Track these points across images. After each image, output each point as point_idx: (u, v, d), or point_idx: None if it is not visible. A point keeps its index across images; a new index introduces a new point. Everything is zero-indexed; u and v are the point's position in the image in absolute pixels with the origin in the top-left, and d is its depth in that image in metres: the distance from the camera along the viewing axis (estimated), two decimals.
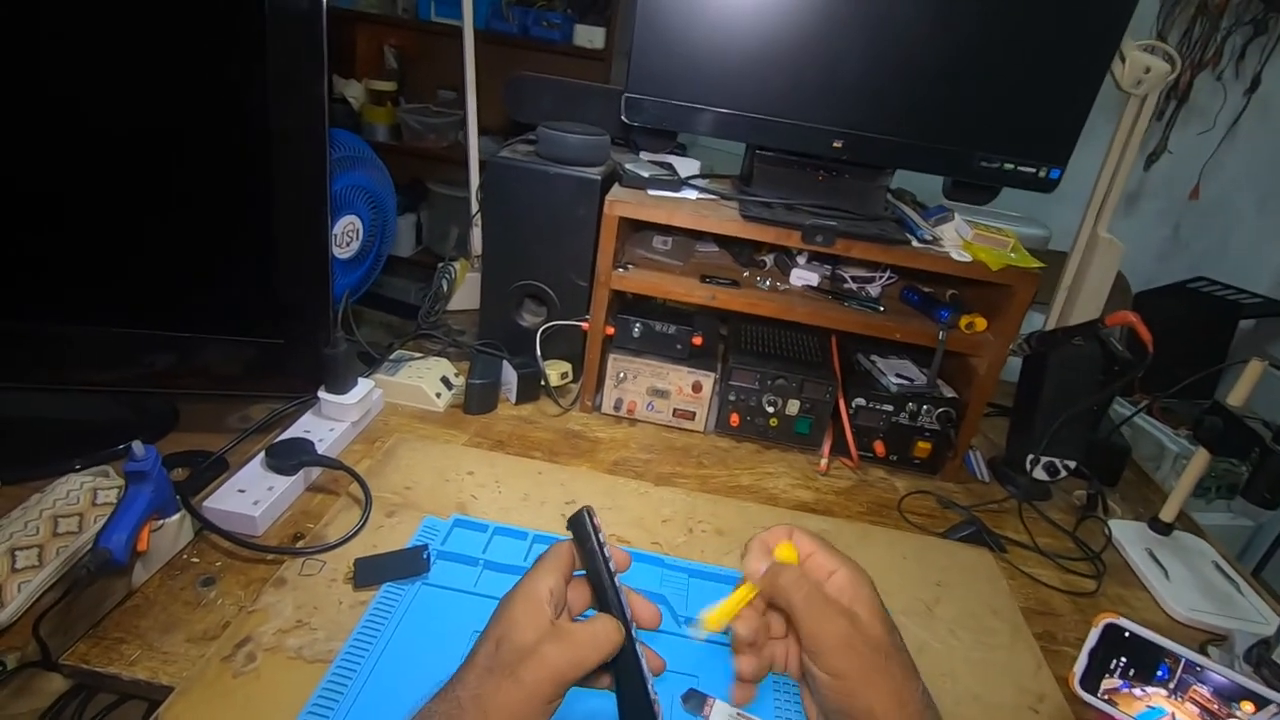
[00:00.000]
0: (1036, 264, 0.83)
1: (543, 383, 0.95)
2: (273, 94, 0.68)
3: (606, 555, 0.43)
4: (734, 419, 0.92)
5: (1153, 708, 0.53)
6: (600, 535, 0.43)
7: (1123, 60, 0.97)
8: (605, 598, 0.42)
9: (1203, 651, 0.69)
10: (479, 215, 1.13)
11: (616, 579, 0.43)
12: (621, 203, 0.84)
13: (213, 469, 0.74)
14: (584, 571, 0.44)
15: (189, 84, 0.68)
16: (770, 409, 0.91)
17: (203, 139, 0.70)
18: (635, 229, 1.01)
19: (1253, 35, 1.96)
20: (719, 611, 0.44)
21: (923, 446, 0.91)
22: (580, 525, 0.44)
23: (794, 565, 0.44)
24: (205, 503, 0.65)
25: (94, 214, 0.70)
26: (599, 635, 0.40)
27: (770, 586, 0.44)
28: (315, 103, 0.71)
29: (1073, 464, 0.89)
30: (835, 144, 0.85)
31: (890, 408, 0.90)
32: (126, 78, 0.66)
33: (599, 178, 0.89)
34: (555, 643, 0.38)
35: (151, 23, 0.65)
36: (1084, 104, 0.81)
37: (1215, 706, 0.51)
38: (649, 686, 0.40)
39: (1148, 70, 0.97)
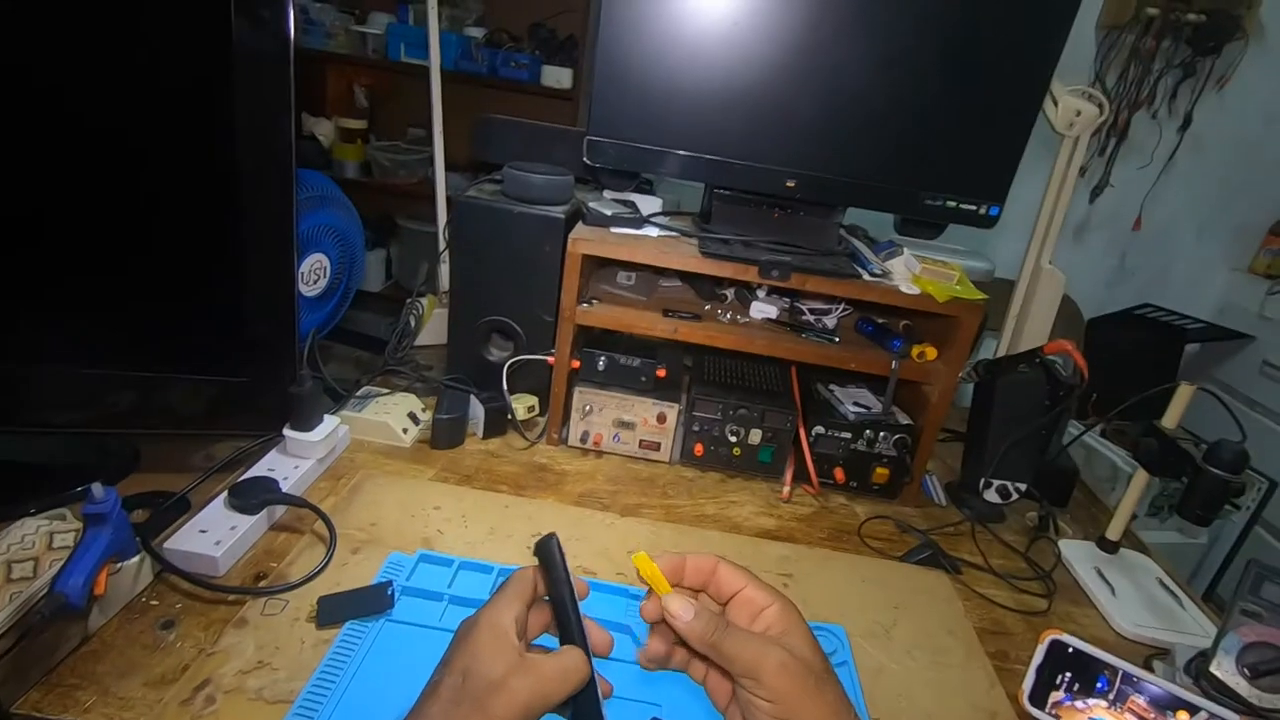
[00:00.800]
0: (980, 296, 0.88)
1: (509, 417, 0.96)
2: (240, 134, 0.69)
3: (572, 583, 0.44)
4: (698, 449, 0.94)
5: (1094, 718, 0.55)
6: (566, 563, 0.44)
7: (1055, 104, 1.04)
8: (568, 626, 0.43)
9: (1147, 665, 0.72)
10: (446, 252, 1.15)
11: (578, 608, 0.44)
12: (585, 240, 0.87)
13: (174, 509, 0.73)
14: (547, 598, 0.45)
15: (155, 124, 0.69)
16: (733, 438, 0.94)
17: (168, 178, 0.71)
18: (600, 265, 1.03)
19: (1183, 77, 2.08)
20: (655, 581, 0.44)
21: (881, 472, 0.94)
22: (548, 552, 0.44)
23: (710, 615, 0.43)
24: (166, 544, 0.65)
25: (58, 251, 0.70)
26: (568, 669, 0.40)
27: (700, 642, 0.42)
28: (283, 143, 0.73)
29: (1023, 486, 0.93)
30: (789, 184, 0.89)
31: (849, 435, 0.93)
32: (93, 117, 0.67)
33: (563, 216, 0.92)
34: (524, 676, 0.38)
35: (117, 62, 0.66)
36: (1017, 146, 0.86)
37: (1152, 716, 0.54)
38: (603, 713, 0.41)
39: (1079, 113, 1.04)
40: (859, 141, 0.88)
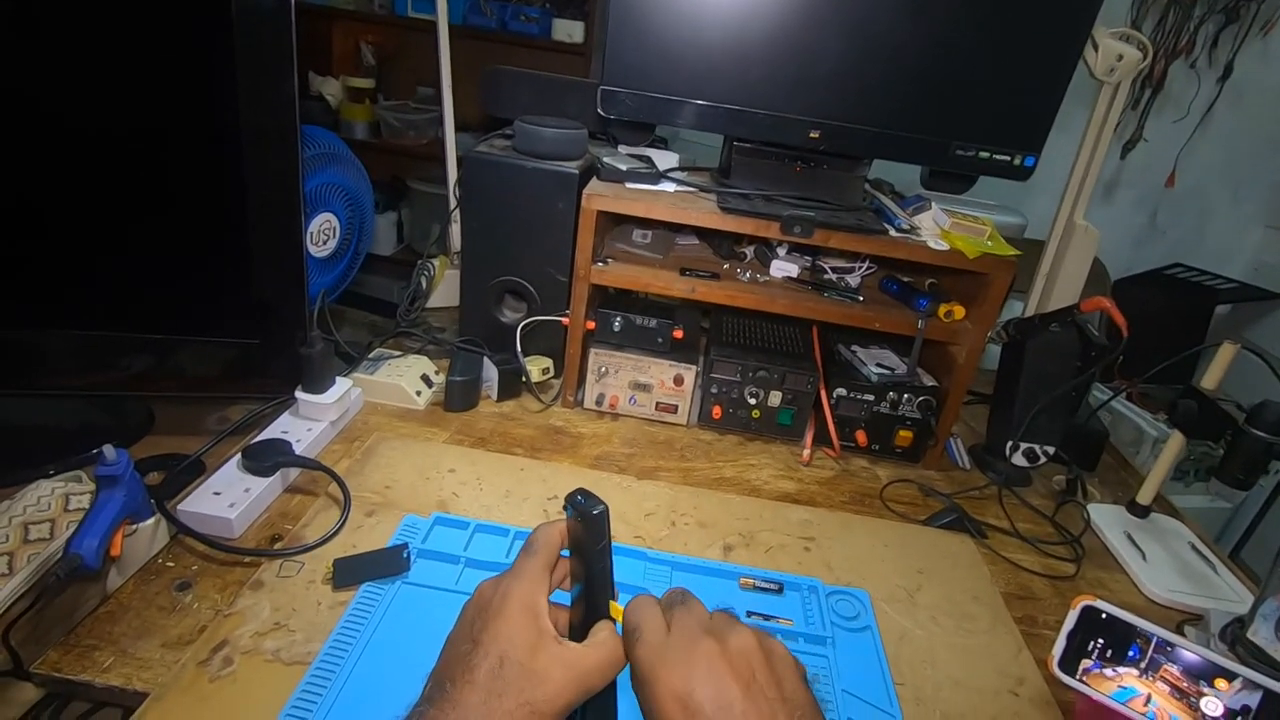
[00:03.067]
0: (1013, 252, 0.84)
1: (524, 379, 0.94)
2: (242, 92, 0.67)
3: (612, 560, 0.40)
4: (716, 411, 0.92)
5: (1124, 687, 0.53)
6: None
7: (1095, 48, 0.98)
8: (598, 604, 0.40)
9: (1179, 631, 0.70)
10: (457, 211, 1.12)
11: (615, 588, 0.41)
12: (599, 196, 0.84)
13: (189, 472, 0.73)
14: (566, 552, 0.42)
15: (156, 85, 0.67)
16: (752, 401, 0.92)
17: (172, 140, 0.69)
18: (615, 223, 1.00)
19: (1225, 23, 1.98)
20: None
21: (904, 435, 0.92)
22: (597, 524, 0.40)
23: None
24: (180, 506, 0.64)
25: (65, 217, 0.69)
26: (608, 659, 0.37)
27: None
28: (286, 100, 0.70)
29: (1052, 449, 0.90)
30: (812, 134, 0.85)
31: (871, 397, 0.91)
32: (94, 80, 0.65)
33: (576, 171, 0.89)
34: (568, 669, 0.36)
35: (117, 24, 0.64)
36: (1057, 92, 0.81)
37: (1185, 684, 0.52)
38: (615, 696, 0.39)
39: (1120, 58, 0.98)
40: (887, 89, 0.83)
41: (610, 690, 0.39)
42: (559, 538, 0.42)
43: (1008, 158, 0.84)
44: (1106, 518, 0.87)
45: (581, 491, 0.42)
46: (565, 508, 0.42)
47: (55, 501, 0.63)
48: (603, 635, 0.38)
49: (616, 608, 0.40)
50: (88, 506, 0.59)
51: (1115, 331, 0.84)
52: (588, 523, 0.40)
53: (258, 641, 0.54)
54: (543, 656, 0.36)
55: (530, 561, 0.40)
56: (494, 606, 0.38)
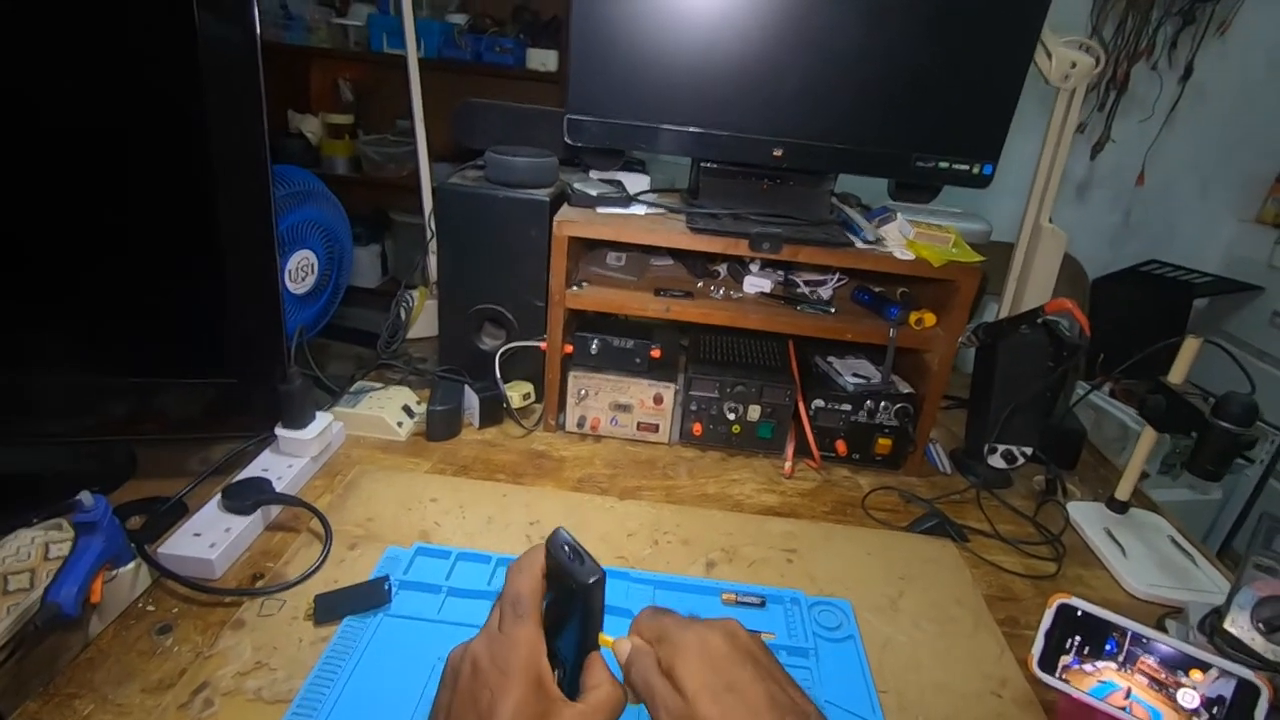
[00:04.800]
0: (977, 258, 0.86)
1: (505, 405, 0.95)
2: (212, 130, 0.68)
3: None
4: (697, 428, 0.93)
5: (1104, 682, 0.54)
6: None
7: (1049, 56, 1.01)
8: (590, 640, 0.39)
9: (1160, 625, 0.70)
10: (434, 242, 1.14)
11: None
12: (570, 222, 0.85)
13: (171, 514, 0.73)
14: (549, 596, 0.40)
15: (127, 126, 0.68)
16: (732, 416, 0.92)
17: (142, 181, 0.70)
18: (589, 247, 1.02)
19: (1182, 25, 2.03)
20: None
21: (883, 443, 0.93)
22: (595, 592, 0.38)
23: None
24: (161, 549, 0.64)
25: (35, 260, 0.69)
26: (612, 704, 0.37)
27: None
28: (256, 137, 0.71)
29: (1029, 450, 0.91)
30: (776, 153, 0.87)
31: (849, 407, 0.92)
32: (61, 123, 0.66)
33: (548, 199, 0.90)
34: None
35: (81, 65, 0.65)
36: (1009, 101, 0.83)
37: (1163, 675, 0.53)
38: None
39: (1074, 65, 1.01)
40: (845, 105, 0.85)
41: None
42: (539, 586, 0.39)
43: (966, 167, 0.87)
44: (1086, 515, 0.88)
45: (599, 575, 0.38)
46: (550, 547, 0.39)
47: (35, 550, 0.62)
48: (601, 680, 0.38)
49: (605, 638, 0.39)
50: (67, 554, 0.59)
51: (1084, 331, 0.85)
52: (594, 590, 0.38)
53: (239, 682, 0.54)
54: None
55: (524, 627, 0.37)
56: (493, 683, 0.35)
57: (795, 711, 0.35)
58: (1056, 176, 1.08)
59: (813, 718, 0.36)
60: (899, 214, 0.91)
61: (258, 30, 0.68)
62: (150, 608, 0.61)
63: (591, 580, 0.37)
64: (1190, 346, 0.79)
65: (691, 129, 0.86)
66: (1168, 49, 2.07)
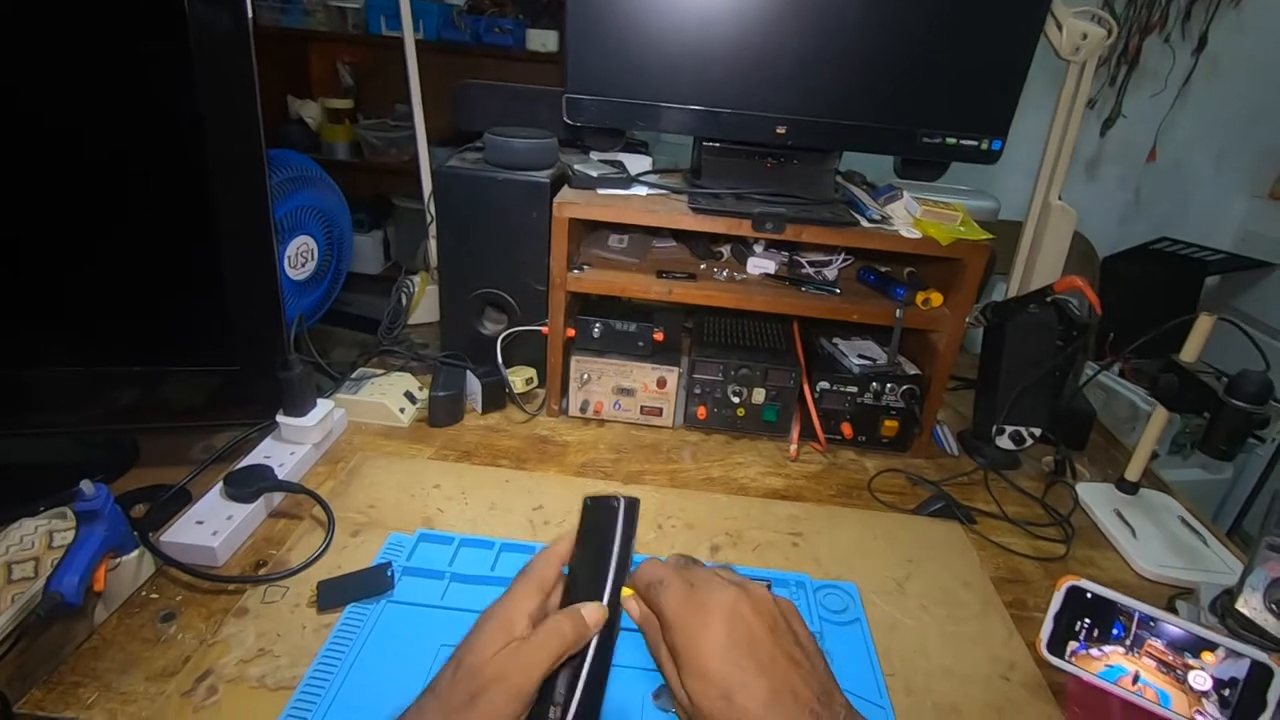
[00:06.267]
0: (985, 236, 0.84)
1: (507, 390, 0.94)
2: (205, 116, 0.67)
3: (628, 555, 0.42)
4: (701, 412, 0.92)
5: (1112, 666, 0.53)
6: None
7: (1060, 28, 0.98)
8: (596, 587, 0.41)
9: (1170, 606, 0.70)
10: (434, 226, 1.12)
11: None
12: (570, 204, 0.84)
13: (174, 502, 0.73)
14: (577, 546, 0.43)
15: (116, 116, 0.67)
16: (736, 399, 0.92)
17: (138, 171, 0.69)
18: (590, 229, 1.01)
19: None
20: None
21: (889, 425, 0.92)
22: (628, 514, 0.43)
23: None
24: (164, 537, 0.64)
25: (35, 254, 0.69)
26: (561, 626, 0.38)
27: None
28: (250, 124, 0.70)
29: (1038, 431, 0.90)
30: (779, 130, 0.85)
31: (855, 389, 0.91)
32: (52, 111, 0.65)
33: (548, 180, 0.89)
34: (512, 655, 0.37)
35: (71, 58, 0.64)
36: (1018, 74, 0.81)
37: (1171, 658, 0.52)
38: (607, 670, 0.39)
39: (1085, 36, 0.98)
40: (850, 80, 0.83)
41: (601, 659, 0.39)
42: (556, 560, 0.43)
43: (974, 142, 0.85)
44: (1095, 496, 0.87)
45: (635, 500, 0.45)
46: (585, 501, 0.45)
47: (39, 539, 0.62)
48: (564, 611, 0.40)
49: (628, 592, 0.42)
50: (71, 543, 0.59)
51: (1094, 309, 0.84)
52: (628, 512, 0.43)
53: (243, 669, 0.54)
54: (491, 653, 0.37)
55: (519, 581, 0.41)
56: (475, 625, 0.39)
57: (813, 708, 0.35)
58: (1067, 153, 1.06)
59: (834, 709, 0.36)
60: (905, 192, 0.90)
61: (249, 14, 0.67)
62: (154, 596, 0.61)
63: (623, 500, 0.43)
64: (1204, 324, 0.77)
65: (693, 106, 0.84)
66: (1181, 20, 2.02)
